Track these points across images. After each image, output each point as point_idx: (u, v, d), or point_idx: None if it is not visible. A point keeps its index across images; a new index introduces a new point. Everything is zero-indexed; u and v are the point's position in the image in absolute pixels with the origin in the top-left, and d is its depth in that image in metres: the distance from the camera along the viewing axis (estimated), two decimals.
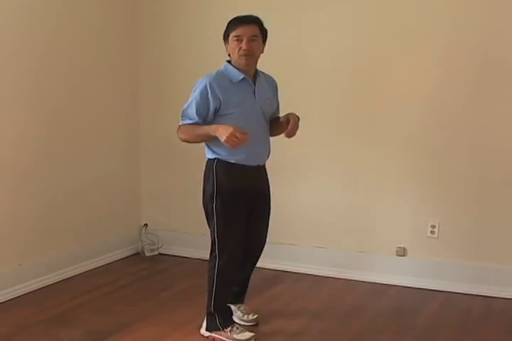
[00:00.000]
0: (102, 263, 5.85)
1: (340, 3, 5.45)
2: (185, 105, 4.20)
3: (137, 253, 6.24)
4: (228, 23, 4.19)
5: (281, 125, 4.35)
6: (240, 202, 4.24)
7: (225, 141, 3.94)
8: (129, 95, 6.11)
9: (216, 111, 4.14)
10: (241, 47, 4.11)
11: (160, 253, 6.20)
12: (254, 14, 4.22)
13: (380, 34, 5.37)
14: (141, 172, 6.29)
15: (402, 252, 5.44)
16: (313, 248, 5.69)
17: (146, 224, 6.29)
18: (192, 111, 4.15)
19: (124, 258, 6.10)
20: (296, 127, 4.27)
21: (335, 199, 5.63)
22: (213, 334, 4.34)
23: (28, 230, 5.16)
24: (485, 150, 5.18)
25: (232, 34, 4.13)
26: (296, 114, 4.33)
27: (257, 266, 5.69)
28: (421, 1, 5.25)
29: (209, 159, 4.28)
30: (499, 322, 4.75)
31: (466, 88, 5.16)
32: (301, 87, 5.58)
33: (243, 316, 4.57)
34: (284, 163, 5.69)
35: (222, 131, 3.96)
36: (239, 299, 4.64)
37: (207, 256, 4.42)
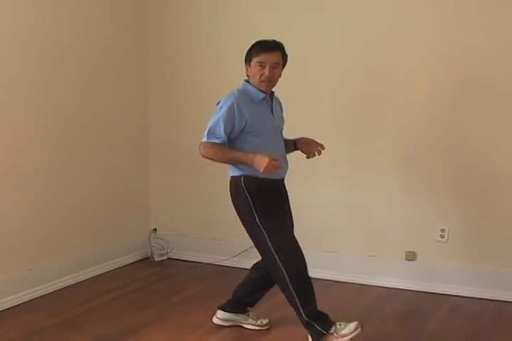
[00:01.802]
0: (112, 268, 5.86)
1: (343, 10, 5.46)
2: (212, 123, 4.20)
3: (147, 258, 6.24)
4: (252, 47, 4.26)
5: (288, 144, 4.50)
6: (278, 211, 4.31)
7: (264, 172, 4.02)
8: (138, 101, 6.13)
9: (241, 129, 4.20)
10: (263, 74, 4.20)
11: (169, 258, 6.20)
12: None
13: (387, 40, 5.37)
14: (151, 177, 6.30)
15: (411, 256, 5.42)
16: (323, 252, 5.67)
17: (155, 229, 6.30)
18: (220, 130, 4.16)
19: (133, 263, 6.11)
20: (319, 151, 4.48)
21: (344, 203, 5.63)
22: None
23: (38, 235, 5.17)
24: (496, 154, 5.16)
25: (256, 60, 4.21)
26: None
27: None
28: (426, 8, 5.24)
29: (233, 176, 4.32)
30: (510, 326, 4.73)
31: (474, 90, 5.17)
32: (306, 90, 5.62)
33: (256, 322, 4.59)
34: (293, 167, 5.68)
35: (259, 162, 4.02)
36: (244, 308, 4.66)
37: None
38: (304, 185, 5.67)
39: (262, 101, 4.29)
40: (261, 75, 4.20)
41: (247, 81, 4.32)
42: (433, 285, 5.32)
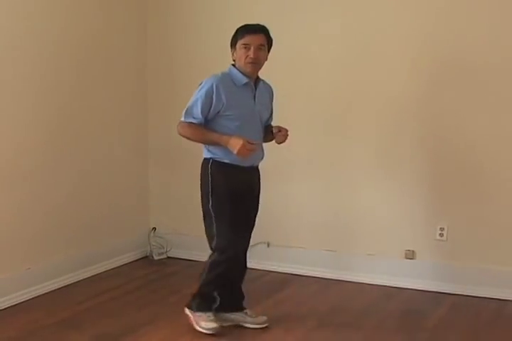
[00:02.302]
0: (111, 266, 5.86)
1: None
2: (190, 103, 4.32)
3: (146, 257, 6.25)
4: (236, 31, 4.34)
5: (270, 133, 4.53)
6: (235, 201, 4.33)
7: (237, 154, 4.15)
8: (137, 100, 6.13)
9: (218, 111, 4.27)
10: (248, 55, 4.27)
11: (168, 257, 6.20)
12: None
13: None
14: (150, 176, 6.30)
15: (411, 255, 5.42)
16: (322, 251, 5.68)
17: (154, 228, 6.29)
18: (197, 110, 4.27)
19: (132, 262, 6.11)
20: (286, 136, 4.45)
21: (343, 202, 5.63)
22: (188, 312, 4.55)
23: (37, 234, 5.17)
24: (495, 152, 5.15)
25: (241, 42, 4.29)
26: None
27: (265, 269, 5.72)
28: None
29: (205, 158, 4.41)
30: (510, 325, 4.73)
31: (466, 88, 5.17)
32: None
33: (254, 320, 4.58)
34: (290, 166, 5.71)
35: (233, 144, 4.14)
36: (240, 305, 4.64)
37: None
38: (302, 184, 5.69)
39: (244, 86, 4.34)
40: (246, 57, 4.27)
41: (233, 65, 4.39)
42: (432, 284, 5.32)
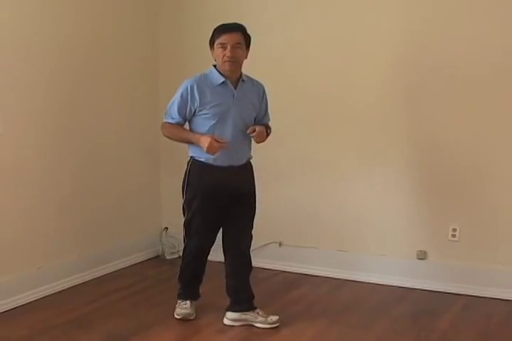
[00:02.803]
0: (122, 266, 5.87)
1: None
2: (169, 104, 4.52)
3: (157, 256, 6.26)
4: (213, 31, 4.43)
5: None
6: (207, 199, 4.49)
7: (206, 151, 4.31)
8: (149, 103, 6.11)
9: (194, 111, 4.43)
10: (225, 54, 4.36)
11: (180, 257, 6.17)
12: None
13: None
14: (162, 176, 6.30)
15: (422, 255, 5.40)
16: (334, 251, 5.68)
17: (166, 228, 6.29)
18: (174, 111, 4.47)
19: (144, 261, 6.12)
20: (260, 136, 4.53)
21: (355, 202, 5.61)
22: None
23: (48, 234, 5.18)
24: (507, 152, 5.13)
25: (217, 41, 4.38)
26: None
27: (277, 269, 5.71)
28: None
29: (190, 156, 4.57)
30: None
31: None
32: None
33: (266, 320, 4.57)
34: (300, 166, 5.70)
35: (203, 142, 4.32)
36: (249, 305, 4.64)
37: None
38: (313, 184, 5.69)
39: (222, 85, 4.43)
40: (223, 56, 4.36)
41: (214, 65, 4.48)
42: (444, 285, 5.29)
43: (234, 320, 4.60)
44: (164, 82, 6.13)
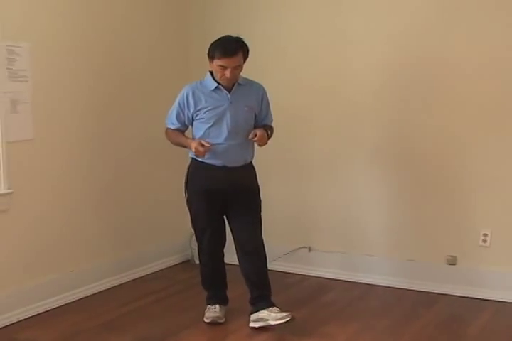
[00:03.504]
0: (153, 270, 5.90)
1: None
2: (169, 111, 4.72)
3: (187, 261, 6.27)
4: (213, 47, 4.48)
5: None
6: (205, 199, 4.64)
7: (195, 153, 4.55)
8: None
9: (191, 116, 4.61)
10: (224, 74, 4.47)
11: None
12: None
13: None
14: None
15: (452, 261, 5.37)
16: (364, 256, 5.67)
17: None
18: (173, 117, 4.69)
19: (174, 266, 6.14)
20: (261, 139, 4.60)
21: (385, 207, 5.60)
22: None
23: (81, 237, 5.23)
24: None
25: (217, 62, 4.46)
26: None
27: (307, 274, 5.71)
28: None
29: (190, 158, 4.74)
30: None
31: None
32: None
33: (276, 315, 4.54)
34: (331, 170, 5.69)
35: (191, 145, 4.53)
36: (265, 302, 4.64)
37: None
38: (343, 189, 5.68)
39: (216, 90, 4.57)
40: (222, 76, 4.49)
41: (210, 71, 4.61)
42: (474, 290, 5.26)
43: (254, 321, 4.61)
44: None
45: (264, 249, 4.75)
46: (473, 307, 5.11)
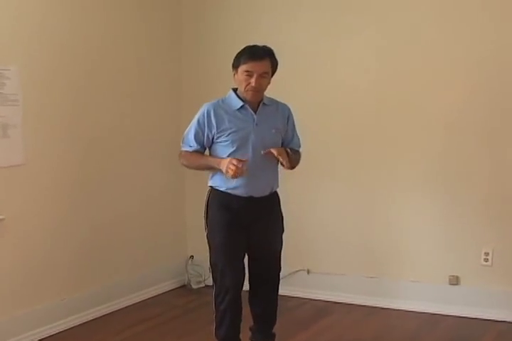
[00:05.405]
0: (148, 295, 5.82)
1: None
2: (186, 131, 4.27)
3: (184, 286, 6.18)
4: (240, 53, 4.13)
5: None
6: (226, 230, 4.17)
7: (225, 172, 4.01)
8: (171, 122, 6.04)
9: (212, 138, 4.17)
10: (250, 83, 4.07)
11: (206, 285, 6.09)
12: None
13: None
14: (187, 204, 6.25)
15: (455, 281, 5.31)
16: (364, 278, 5.60)
17: (192, 256, 6.23)
18: (191, 138, 4.21)
19: (170, 291, 6.05)
20: (282, 155, 4.15)
21: (385, 228, 5.54)
22: None
23: (72, 264, 5.15)
24: None
25: (243, 67, 4.07)
26: None
27: (306, 297, 5.63)
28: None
29: (209, 186, 4.30)
30: None
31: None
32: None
33: None
34: (330, 190, 5.64)
35: (223, 163, 4.04)
36: (265, 335, 4.46)
37: None
38: (342, 208, 5.64)
39: (241, 110, 4.16)
40: (247, 84, 4.08)
41: (234, 89, 4.22)
42: (478, 311, 5.19)
43: None
44: (187, 103, 6.05)
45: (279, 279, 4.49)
46: (477, 328, 5.04)
